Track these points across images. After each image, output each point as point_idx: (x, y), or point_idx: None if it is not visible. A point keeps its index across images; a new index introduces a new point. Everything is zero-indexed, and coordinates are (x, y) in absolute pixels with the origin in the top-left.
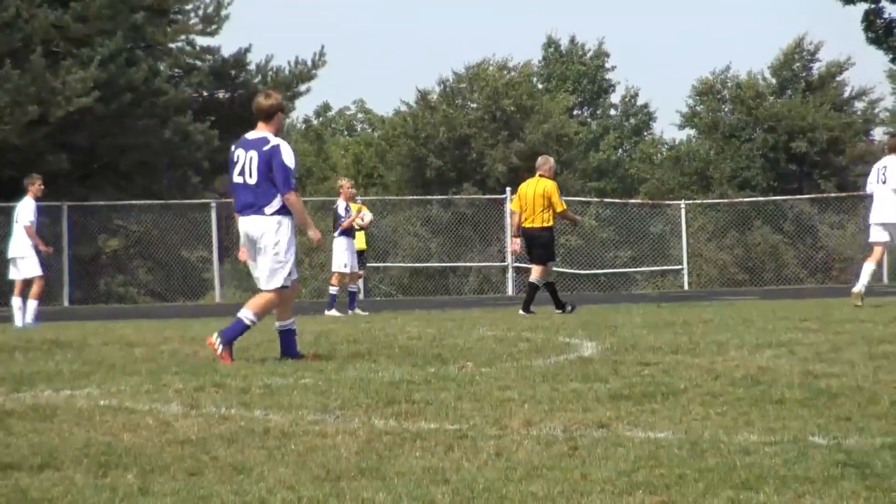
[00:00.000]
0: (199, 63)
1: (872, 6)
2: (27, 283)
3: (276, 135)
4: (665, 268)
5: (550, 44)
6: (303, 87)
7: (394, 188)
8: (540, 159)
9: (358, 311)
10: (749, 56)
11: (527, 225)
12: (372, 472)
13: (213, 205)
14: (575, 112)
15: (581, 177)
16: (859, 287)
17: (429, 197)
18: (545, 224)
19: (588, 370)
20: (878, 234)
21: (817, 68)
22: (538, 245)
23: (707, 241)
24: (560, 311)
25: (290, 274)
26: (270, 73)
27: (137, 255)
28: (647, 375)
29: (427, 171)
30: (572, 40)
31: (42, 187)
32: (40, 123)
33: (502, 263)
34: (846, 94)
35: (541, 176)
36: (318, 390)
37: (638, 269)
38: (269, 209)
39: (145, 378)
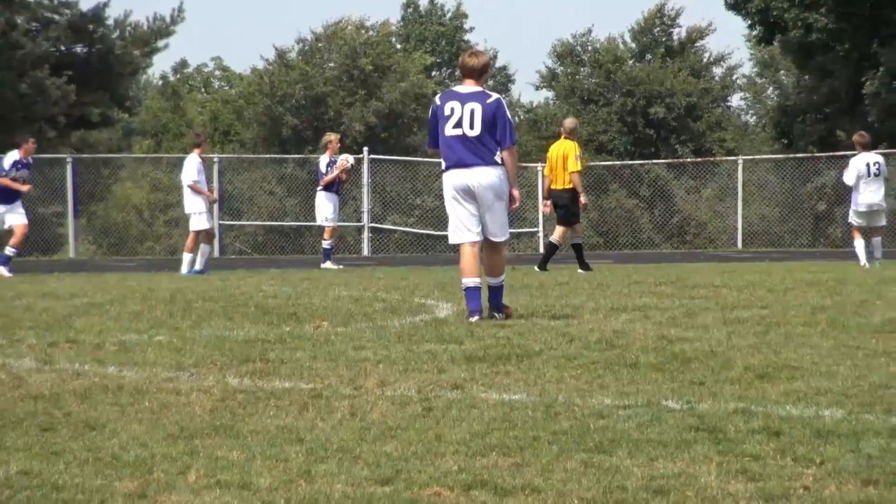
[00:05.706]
0: (56, 17)
1: None
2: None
3: None
4: (521, 230)
5: (409, 4)
6: (161, 43)
7: (250, 146)
8: (566, 121)
9: (329, 264)
10: (611, 20)
11: (553, 187)
12: (226, 430)
13: (69, 160)
14: (433, 73)
15: None
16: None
17: (285, 156)
18: (566, 186)
19: (443, 331)
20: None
21: (677, 34)
22: (560, 206)
23: None
24: (583, 271)
25: None
26: (129, 28)
27: None
28: (501, 338)
29: (283, 129)
30: (431, 1)
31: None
32: None
33: (358, 224)
34: (705, 60)
35: (565, 138)
36: (173, 347)
37: None
38: (495, 160)
39: None
